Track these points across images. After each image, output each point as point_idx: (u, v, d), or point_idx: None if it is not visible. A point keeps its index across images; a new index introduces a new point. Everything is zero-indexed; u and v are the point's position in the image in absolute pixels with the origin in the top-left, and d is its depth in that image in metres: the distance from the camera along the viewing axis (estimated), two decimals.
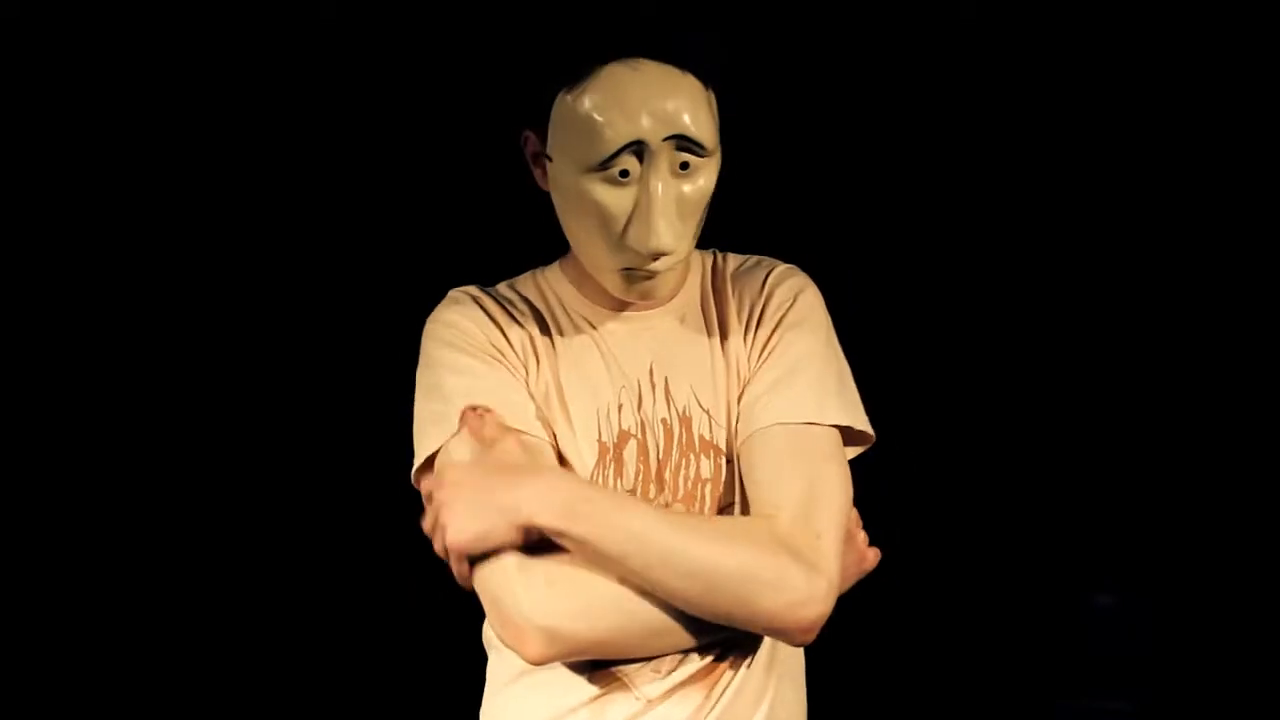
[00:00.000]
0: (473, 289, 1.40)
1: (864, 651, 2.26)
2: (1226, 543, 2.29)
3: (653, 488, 1.32)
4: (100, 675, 2.29)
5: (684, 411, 1.33)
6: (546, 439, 1.31)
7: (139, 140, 2.25)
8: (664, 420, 1.33)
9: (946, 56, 2.28)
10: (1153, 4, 2.22)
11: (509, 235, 1.53)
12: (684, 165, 1.26)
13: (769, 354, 1.34)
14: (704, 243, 1.41)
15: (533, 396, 1.33)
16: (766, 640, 1.32)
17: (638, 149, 1.24)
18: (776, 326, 1.35)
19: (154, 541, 2.30)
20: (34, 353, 2.26)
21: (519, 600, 1.19)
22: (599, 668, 1.28)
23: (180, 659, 2.31)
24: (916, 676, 2.34)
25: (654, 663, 1.28)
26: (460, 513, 1.21)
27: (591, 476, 1.31)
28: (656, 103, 1.23)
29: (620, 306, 1.38)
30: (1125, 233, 2.30)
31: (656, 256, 1.27)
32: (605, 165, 1.25)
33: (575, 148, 1.26)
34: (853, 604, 2.21)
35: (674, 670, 1.28)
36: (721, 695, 1.29)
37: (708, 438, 1.33)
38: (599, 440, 1.32)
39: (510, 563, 1.21)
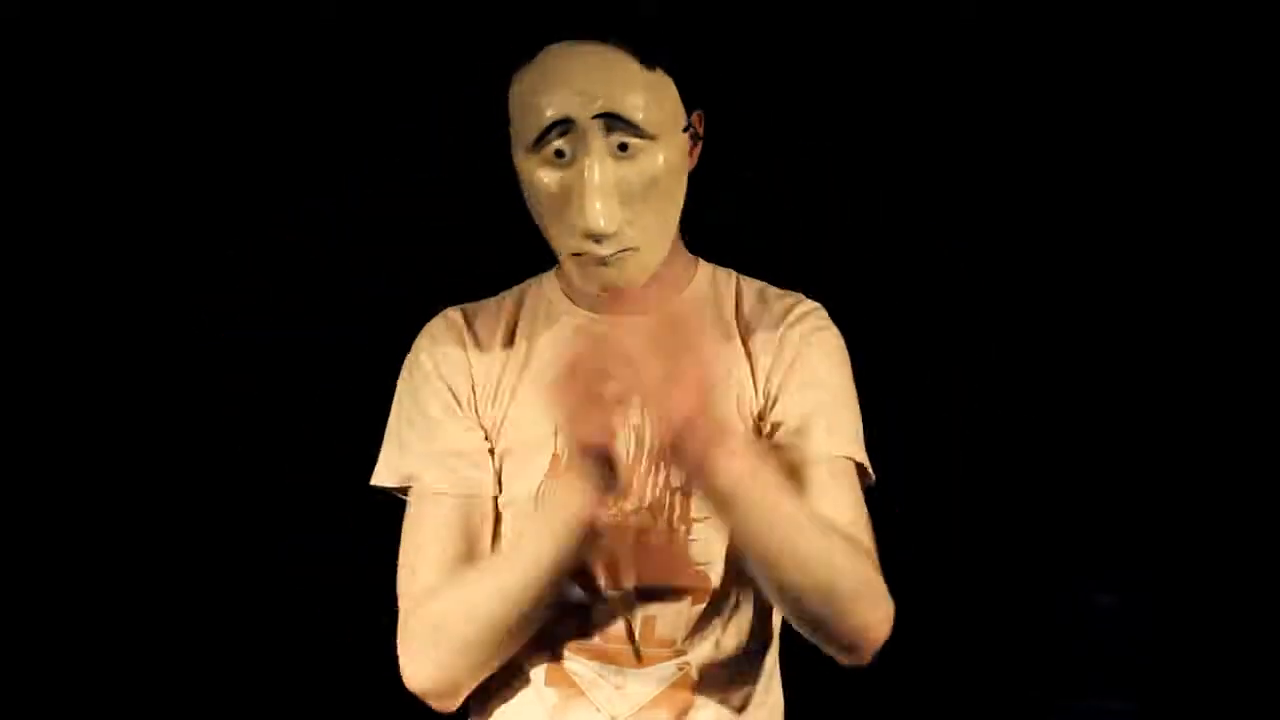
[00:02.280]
0: (457, 314, 1.39)
1: None
2: (1226, 542, 2.29)
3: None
4: (97, 675, 2.29)
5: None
6: (490, 493, 1.32)
7: (130, 141, 2.25)
8: (635, 426, 1.30)
9: (946, 57, 2.29)
10: (1153, 4, 2.23)
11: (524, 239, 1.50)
12: (623, 146, 1.24)
13: (798, 376, 1.33)
14: (709, 258, 1.41)
15: (485, 433, 1.33)
16: (739, 657, 1.32)
17: (567, 127, 1.23)
18: (802, 350, 1.34)
19: (151, 539, 2.31)
20: (32, 351, 2.26)
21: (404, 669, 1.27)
22: (567, 687, 1.29)
23: (177, 656, 2.32)
24: (916, 676, 2.33)
25: (610, 679, 1.28)
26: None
27: (541, 485, 1.30)
28: (585, 81, 1.23)
29: (608, 309, 1.34)
30: (1121, 233, 2.30)
31: (596, 239, 1.25)
32: (539, 144, 1.25)
33: (517, 128, 1.27)
34: None
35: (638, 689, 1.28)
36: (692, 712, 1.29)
37: None
38: (554, 452, 1.30)
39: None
